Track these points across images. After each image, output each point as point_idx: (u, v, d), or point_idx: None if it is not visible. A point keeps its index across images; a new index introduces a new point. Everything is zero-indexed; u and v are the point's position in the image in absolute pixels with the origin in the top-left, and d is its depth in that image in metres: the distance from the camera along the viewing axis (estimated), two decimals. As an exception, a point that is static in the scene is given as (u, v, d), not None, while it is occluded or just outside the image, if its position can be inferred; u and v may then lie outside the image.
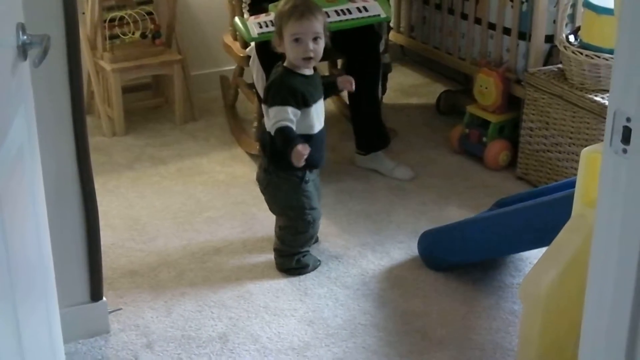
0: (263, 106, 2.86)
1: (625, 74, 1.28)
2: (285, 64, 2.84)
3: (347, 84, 3.01)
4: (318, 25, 2.79)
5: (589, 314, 1.46)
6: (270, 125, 2.78)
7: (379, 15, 3.39)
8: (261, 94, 3.46)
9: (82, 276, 2.57)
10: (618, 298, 1.36)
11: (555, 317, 2.23)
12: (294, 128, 2.76)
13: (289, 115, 2.75)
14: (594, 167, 2.26)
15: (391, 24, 4.34)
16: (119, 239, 3.18)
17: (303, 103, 2.79)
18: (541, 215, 2.64)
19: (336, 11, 3.26)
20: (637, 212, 1.28)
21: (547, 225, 2.50)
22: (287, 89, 2.77)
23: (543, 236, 2.51)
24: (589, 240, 2.25)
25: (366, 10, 3.37)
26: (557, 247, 2.27)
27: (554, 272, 2.22)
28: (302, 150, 2.72)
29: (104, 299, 2.64)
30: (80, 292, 2.58)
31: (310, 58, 2.80)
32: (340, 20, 3.31)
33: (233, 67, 4.10)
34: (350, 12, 3.34)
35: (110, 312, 2.70)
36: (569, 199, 2.38)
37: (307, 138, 2.81)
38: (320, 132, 2.89)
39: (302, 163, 2.74)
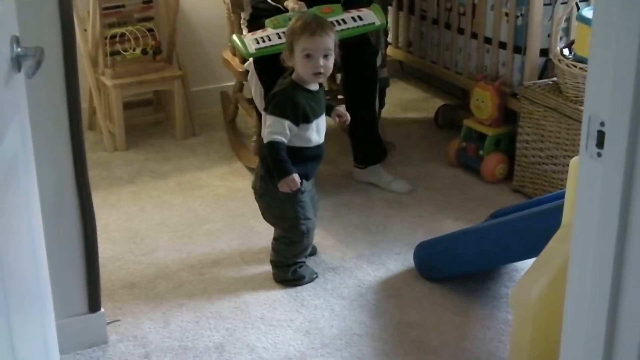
0: (263, 112, 2.90)
1: (599, 80, 1.31)
2: (293, 77, 2.87)
3: (339, 118, 3.05)
4: (329, 41, 2.83)
5: (568, 317, 1.49)
6: (265, 132, 2.83)
7: (373, 23, 3.43)
8: (260, 108, 3.52)
9: (80, 287, 2.60)
10: (595, 302, 1.39)
11: (545, 325, 2.26)
12: (286, 142, 2.80)
13: (285, 130, 2.79)
14: (583, 176, 2.29)
15: (389, 40, 4.39)
16: (118, 251, 3.22)
17: (303, 119, 2.84)
18: (532, 226, 2.67)
19: (332, 22, 3.29)
20: (612, 215, 1.31)
21: (538, 236, 2.53)
22: (291, 103, 2.82)
23: (535, 246, 2.53)
24: (578, 248, 2.29)
25: (361, 19, 3.41)
26: (547, 256, 2.30)
27: (544, 281, 2.25)
28: (292, 184, 2.78)
29: (102, 310, 2.67)
30: (78, 303, 2.61)
31: (320, 73, 2.84)
32: (337, 31, 3.35)
33: (233, 82, 4.15)
34: (345, 22, 3.37)
35: (109, 323, 2.73)
36: (559, 209, 2.41)
37: (302, 150, 2.85)
38: (319, 146, 2.92)
39: (287, 191, 2.80)
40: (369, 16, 3.42)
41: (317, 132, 2.89)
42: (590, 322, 1.40)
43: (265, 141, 2.82)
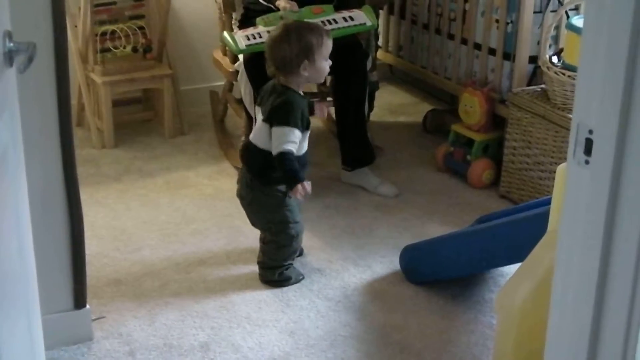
0: (263, 124, 2.87)
1: (588, 87, 1.33)
2: (290, 85, 2.88)
3: (321, 112, 3.07)
4: None
5: (552, 323, 1.50)
6: (276, 144, 2.81)
7: (364, 23, 3.44)
8: (249, 109, 3.54)
9: (66, 284, 2.60)
10: (580, 308, 1.40)
11: (529, 330, 2.27)
12: (295, 151, 2.82)
13: (296, 139, 2.81)
14: (569, 183, 2.31)
15: (380, 44, 4.40)
16: (105, 248, 3.22)
17: (307, 126, 2.87)
18: (518, 232, 2.69)
19: (323, 22, 3.31)
20: (598, 222, 1.33)
21: (524, 241, 2.54)
22: (299, 112, 2.83)
23: (520, 252, 2.55)
24: (563, 255, 2.30)
25: (352, 19, 3.42)
26: (532, 261, 2.31)
27: (529, 286, 2.26)
28: (306, 189, 2.80)
29: (88, 306, 2.67)
30: (64, 299, 2.61)
31: None
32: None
33: (223, 82, 4.15)
34: (336, 22, 3.39)
35: (94, 320, 2.73)
36: (545, 215, 2.43)
37: (297, 158, 2.85)
38: (306, 153, 2.94)
39: (301, 197, 2.83)
40: (360, 17, 3.44)
41: (307, 138, 2.92)
42: (575, 328, 1.41)
43: (277, 151, 2.80)
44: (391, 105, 4.64)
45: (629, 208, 1.28)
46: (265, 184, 2.91)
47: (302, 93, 2.92)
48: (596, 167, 1.32)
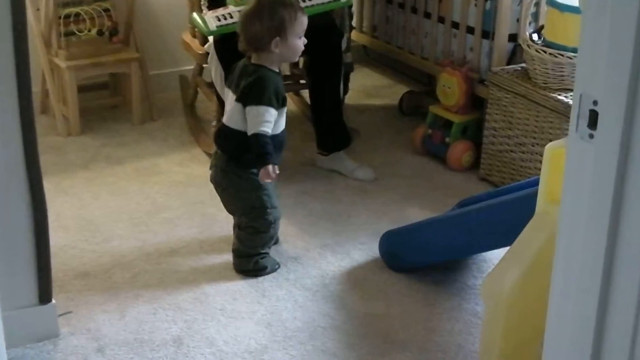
0: (235, 104, 2.75)
1: (591, 54, 1.22)
2: (262, 62, 2.75)
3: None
4: None
5: (553, 313, 1.39)
6: (251, 125, 2.69)
7: (339, 0, 3.33)
8: (220, 92, 3.40)
9: (30, 278, 2.46)
10: (584, 296, 1.30)
11: (518, 318, 2.17)
12: (270, 132, 2.70)
13: (272, 118, 2.70)
14: (558, 163, 2.20)
15: (353, 24, 4.28)
16: (72, 240, 3.08)
17: (282, 103, 2.76)
18: (503, 215, 2.58)
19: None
20: (603, 201, 1.22)
21: (509, 225, 2.44)
22: (272, 89, 2.71)
23: (505, 236, 2.45)
24: (553, 238, 2.19)
25: None
26: (520, 245, 2.21)
27: (517, 272, 2.16)
28: (272, 173, 2.68)
29: (53, 301, 2.53)
30: (28, 294, 2.47)
31: None
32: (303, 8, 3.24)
33: (192, 66, 4.02)
34: (310, 0, 3.27)
35: (60, 315, 2.59)
36: (532, 197, 2.32)
37: (274, 137, 2.73)
38: (283, 131, 2.82)
39: (268, 180, 2.71)
40: None
41: (284, 115, 2.80)
42: (578, 317, 1.30)
43: (252, 132, 2.68)
44: (366, 88, 4.52)
45: (639, 186, 1.17)
46: (241, 167, 2.78)
47: (278, 71, 2.79)
48: (602, 142, 1.21)
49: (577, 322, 1.30)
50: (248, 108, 2.70)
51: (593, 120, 1.21)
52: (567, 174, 1.28)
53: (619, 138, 1.17)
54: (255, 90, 2.70)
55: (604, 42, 1.18)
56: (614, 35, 1.16)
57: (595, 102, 1.21)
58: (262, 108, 2.68)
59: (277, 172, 2.71)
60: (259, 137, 2.67)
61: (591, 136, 1.23)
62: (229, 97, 2.81)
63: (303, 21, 2.78)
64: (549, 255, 2.20)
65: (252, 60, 2.77)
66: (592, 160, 1.23)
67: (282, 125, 2.78)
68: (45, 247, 2.47)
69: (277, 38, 2.71)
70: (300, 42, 2.79)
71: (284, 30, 2.72)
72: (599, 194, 1.22)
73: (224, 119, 2.82)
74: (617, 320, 1.24)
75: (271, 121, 2.69)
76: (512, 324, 2.16)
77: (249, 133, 2.69)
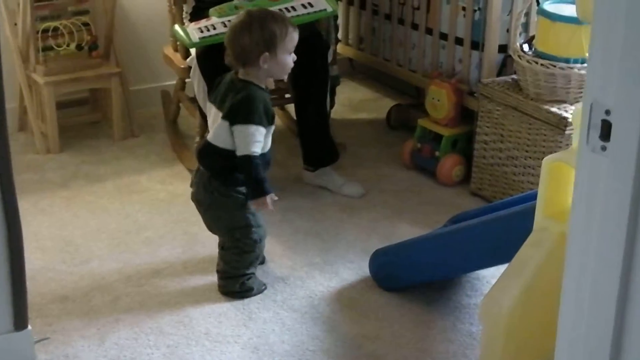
0: (222, 122, 2.64)
1: (603, 59, 1.12)
2: (249, 79, 2.65)
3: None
4: None
5: (563, 337, 1.29)
6: (241, 145, 2.59)
7: (325, 10, 3.23)
8: (203, 106, 3.30)
9: (3, 302, 2.33)
10: (597, 320, 1.20)
11: (517, 338, 2.07)
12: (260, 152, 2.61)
13: (261, 138, 2.60)
14: (557, 176, 2.12)
15: (339, 36, 4.19)
16: (49, 261, 2.96)
17: (271, 121, 2.66)
18: (499, 231, 2.49)
19: (281, 10, 3.08)
20: (619, 219, 1.12)
21: (505, 241, 2.36)
22: (262, 107, 2.61)
23: (501, 253, 2.36)
24: (552, 255, 2.11)
25: (311, 5, 3.21)
26: (519, 263, 2.12)
27: (516, 290, 2.07)
28: (270, 204, 2.62)
29: (29, 327, 2.41)
30: (2, 320, 2.35)
31: None
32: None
33: (174, 81, 3.91)
34: (295, 9, 3.17)
35: (37, 342, 2.47)
36: (529, 213, 2.24)
37: (261, 156, 2.63)
38: (270, 150, 2.72)
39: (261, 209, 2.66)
40: (320, 3, 3.22)
41: (271, 133, 2.70)
42: (592, 346, 1.20)
43: (243, 153, 2.59)
44: (352, 102, 4.42)
45: (658, 201, 1.08)
46: (227, 185, 2.68)
47: (265, 87, 2.69)
48: (616, 154, 1.12)
49: (591, 349, 1.20)
50: (236, 127, 2.59)
51: (606, 131, 1.12)
52: (577, 190, 1.18)
53: (635, 150, 1.08)
54: (244, 109, 2.60)
55: (617, 47, 1.09)
56: (628, 41, 1.07)
57: (607, 112, 1.12)
58: (252, 127, 2.58)
59: (271, 204, 2.64)
60: (250, 159, 2.57)
61: (604, 148, 1.13)
62: (213, 113, 2.71)
63: (294, 37, 2.68)
64: (549, 272, 2.11)
65: (240, 76, 2.67)
66: (605, 175, 1.13)
67: (268, 143, 2.68)
68: (20, 270, 2.34)
69: (266, 53, 2.61)
70: (290, 59, 2.69)
71: (274, 45, 2.62)
72: (613, 212, 1.13)
73: (209, 137, 2.72)
74: (635, 346, 1.15)
75: (261, 141, 2.59)
76: (512, 345, 2.06)
77: (239, 154, 2.59)
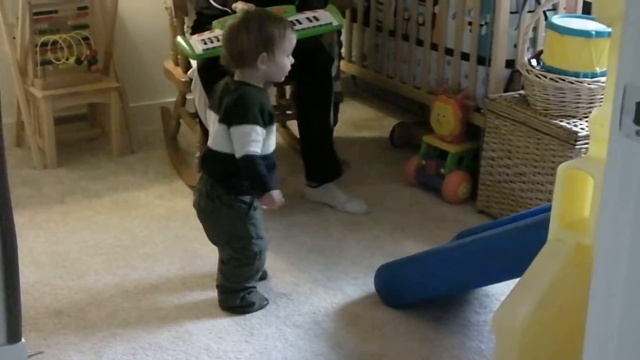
0: (219, 125, 2.59)
1: (637, 39, 1.05)
2: (245, 79, 2.59)
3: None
4: None
5: (591, 343, 1.21)
6: (239, 146, 2.53)
7: (331, 23, 3.18)
8: (204, 119, 3.23)
9: (-4, 315, 2.26)
10: (630, 334, 1.12)
11: (532, 351, 1.99)
12: (260, 152, 2.54)
13: (259, 137, 2.53)
14: (573, 185, 2.05)
15: (342, 53, 4.12)
16: (45, 276, 2.88)
17: (270, 120, 2.59)
18: (511, 243, 2.42)
19: None
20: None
21: (518, 254, 2.28)
22: (258, 106, 2.55)
23: (514, 266, 2.28)
24: (568, 266, 2.03)
25: (317, 19, 3.16)
26: (533, 274, 2.04)
27: (530, 302, 1.99)
28: (278, 199, 2.56)
29: (23, 340, 2.32)
30: (-6, 332, 2.27)
31: None
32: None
33: (174, 99, 3.84)
34: (300, 23, 3.11)
35: (31, 356, 2.39)
36: (543, 224, 2.16)
37: (264, 158, 2.57)
38: (274, 151, 2.66)
39: (272, 207, 2.60)
40: (326, 16, 3.17)
41: (275, 134, 2.64)
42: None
43: (241, 154, 2.52)
44: (355, 121, 4.34)
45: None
46: (230, 193, 2.60)
47: (260, 86, 2.63)
48: (653, 139, 1.04)
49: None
50: (232, 128, 2.53)
51: (641, 114, 1.05)
52: (609, 178, 1.11)
53: (674, 133, 1.01)
54: (239, 109, 2.54)
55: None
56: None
57: (643, 94, 1.04)
58: (248, 127, 2.51)
59: (280, 197, 2.58)
60: (250, 159, 2.50)
61: (638, 133, 1.06)
62: (212, 119, 2.65)
63: (292, 39, 2.63)
64: (565, 285, 2.03)
65: (235, 78, 2.61)
66: (641, 162, 1.06)
67: (272, 144, 2.62)
68: (14, 282, 2.25)
69: (264, 53, 2.55)
70: (288, 61, 2.64)
71: (272, 45, 2.56)
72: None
73: (209, 142, 2.66)
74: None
75: (259, 140, 2.52)
76: (526, 358, 1.98)
77: (237, 155, 2.52)
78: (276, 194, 2.56)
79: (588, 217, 2.06)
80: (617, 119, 1.08)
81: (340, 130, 4.02)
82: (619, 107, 1.08)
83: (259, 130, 2.52)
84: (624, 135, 1.08)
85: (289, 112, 3.69)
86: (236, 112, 2.54)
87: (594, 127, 2.03)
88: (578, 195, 2.05)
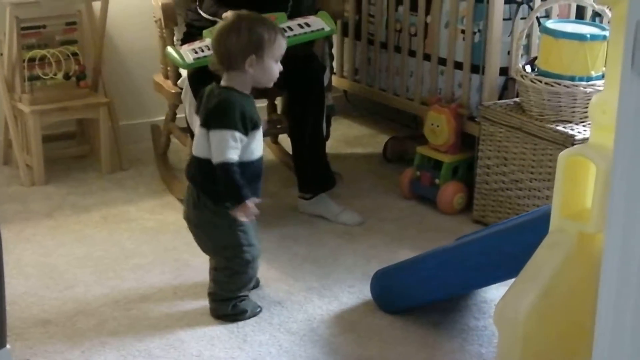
0: (200, 129, 2.54)
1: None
2: (230, 85, 2.54)
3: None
4: None
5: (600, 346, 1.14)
6: (216, 152, 2.46)
7: (323, 29, 3.15)
8: (193, 128, 3.17)
9: (-20, 321, 2.18)
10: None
11: (536, 344, 1.92)
12: (237, 159, 2.46)
13: (236, 143, 2.45)
14: (575, 173, 2.00)
15: (334, 68, 4.08)
16: (32, 287, 2.80)
17: (253, 126, 2.51)
18: (511, 242, 2.35)
19: None
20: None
21: (518, 253, 2.21)
22: (238, 111, 2.47)
23: (514, 266, 2.21)
24: (570, 257, 1.97)
25: (308, 25, 3.12)
26: (535, 265, 1.98)
27: (533, 293, 1.93)
28: (252, 208, 2.47)
29: (8, 346, 2.24)
30: (-22, 339, 2.19)
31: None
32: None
33: (163, 117, 3.78)
34: (291, 29, 3.08)
35: (16, 364, 2.31)
36: (543, 219, 2.11)
37: (247, 165, 2.50)
38: (261, 160, 2.59)
39: (248, 219, 2.50)
40: (317, 22, 3.14)
41: (260, 141, 2.56)
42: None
43: (217, 160, 2.45)
44: (348, 138, 4.29)
45: None
46: (215, 201, 2.54)
47: (247, 92, 2.56)
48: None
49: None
50: (211, 133, 2.47)
51: (655, 49, 1.00)
52: (621, 120, 1.06)
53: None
54: (218, 113, 2.48)
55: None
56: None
57: (657, 27, 0.99)
58: (226, 132, 2.44)
59: (257, 210, 2.49)
60: (225, 166, 2.43)
61: (652, 69, 1.01)
62: (197, 124, 2.59)
63: (282, 45, 2.58)
64: (567, 275, 1.97)
65: (222, 83, 2.55)
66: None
67: (257, 151, 2.54)
68: (0, 291, 2.19)
69: (253, 56, 2.49)
70: (276, 67, 2.58)
71: (261, 49, 2.50)
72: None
73: (192, 148, 2.60)
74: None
75: (237, 147, 2.45)
76: (530, 350, 1.91)
77: (214, 161, 2.46)
78: (250, 204, 2.47)
79: (590, 207, 2.00)
80: (629, 57, 1.03)
81: (332, 146, 3.97)
82: (631, 45, 1.03)
83: (237, 136, 2.45)
84: (637, 74, 1.02)
85: (279, 126, 3.64)
86: (216, 116, 2.48)
87: (595, 113, 1.98)
88: (580, 183, 2.00)
